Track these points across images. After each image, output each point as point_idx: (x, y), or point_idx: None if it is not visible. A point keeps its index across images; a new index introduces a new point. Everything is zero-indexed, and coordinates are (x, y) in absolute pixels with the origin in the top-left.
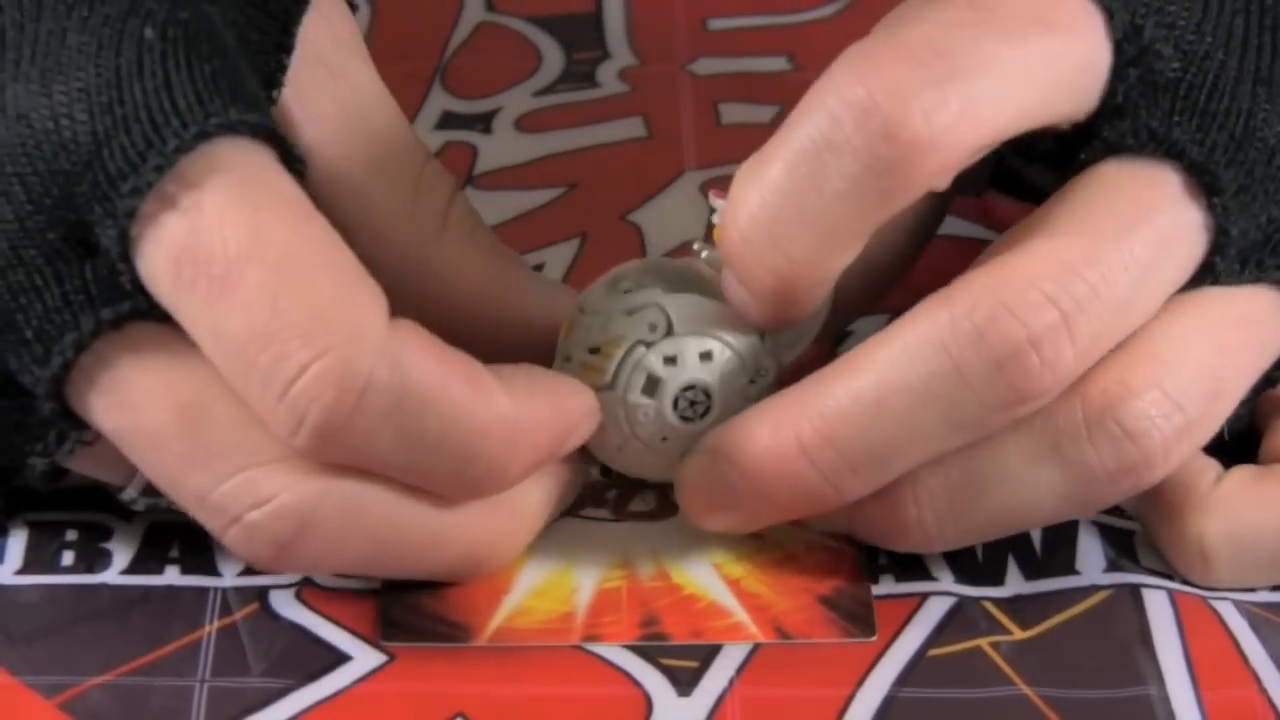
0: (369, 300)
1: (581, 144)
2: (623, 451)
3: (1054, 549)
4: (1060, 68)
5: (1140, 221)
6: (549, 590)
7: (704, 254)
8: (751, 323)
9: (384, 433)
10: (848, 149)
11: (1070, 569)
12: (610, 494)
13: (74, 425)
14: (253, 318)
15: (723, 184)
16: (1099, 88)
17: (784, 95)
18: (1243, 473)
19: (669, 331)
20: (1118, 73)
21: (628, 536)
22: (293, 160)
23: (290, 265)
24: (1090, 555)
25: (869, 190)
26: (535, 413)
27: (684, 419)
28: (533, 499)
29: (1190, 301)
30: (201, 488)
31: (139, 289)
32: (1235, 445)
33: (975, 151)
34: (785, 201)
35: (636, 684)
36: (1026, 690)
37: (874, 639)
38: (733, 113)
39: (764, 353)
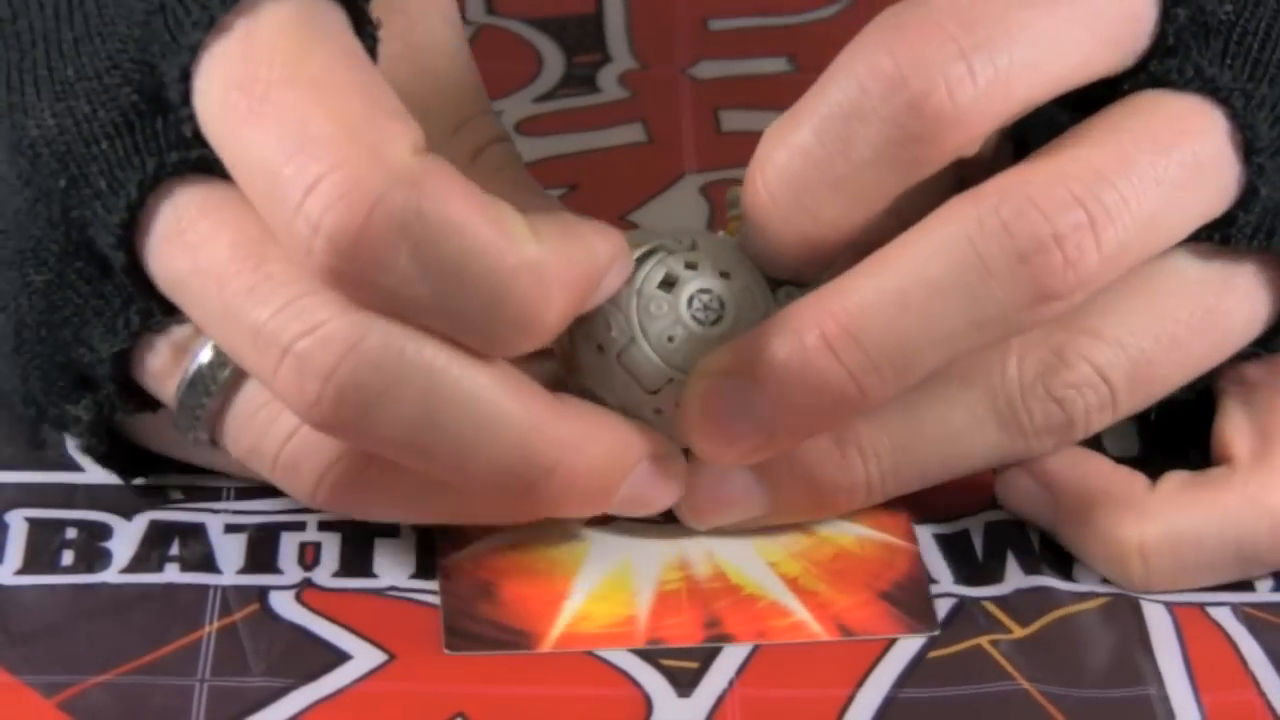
0: (400, 128)
1: (581, 148)
2: (623, 357)
3: (1053, 552)
4: (1098, 25)
5: (1179, 143)
6: (609, 594)
7: (721, 235)
8: (770, 273)
9: (399, 255)
10: (874, 119)
11: (1068, 577)
12: None
13: (143, 291)
14: (283, 133)
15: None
16: (1146, 34)
17: (784, 98)
18: (1176, 478)
19: (693, 248)
20: (1166, 14)
21: (680, 537)
22: (364, 25)
23: (326, 88)
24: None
25: (895, 159)
26: (565, 256)
27: (696, 320)
28: (611, 424)
29: (1153, 280)
30: (258, 319)
31: (202, 140)
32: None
33: (1006, 119)
34: (813, 165)
35: (636, 684)
36: (1027, 686)
37: (937, 633)
38: (733, 120)
39: (775, 305)
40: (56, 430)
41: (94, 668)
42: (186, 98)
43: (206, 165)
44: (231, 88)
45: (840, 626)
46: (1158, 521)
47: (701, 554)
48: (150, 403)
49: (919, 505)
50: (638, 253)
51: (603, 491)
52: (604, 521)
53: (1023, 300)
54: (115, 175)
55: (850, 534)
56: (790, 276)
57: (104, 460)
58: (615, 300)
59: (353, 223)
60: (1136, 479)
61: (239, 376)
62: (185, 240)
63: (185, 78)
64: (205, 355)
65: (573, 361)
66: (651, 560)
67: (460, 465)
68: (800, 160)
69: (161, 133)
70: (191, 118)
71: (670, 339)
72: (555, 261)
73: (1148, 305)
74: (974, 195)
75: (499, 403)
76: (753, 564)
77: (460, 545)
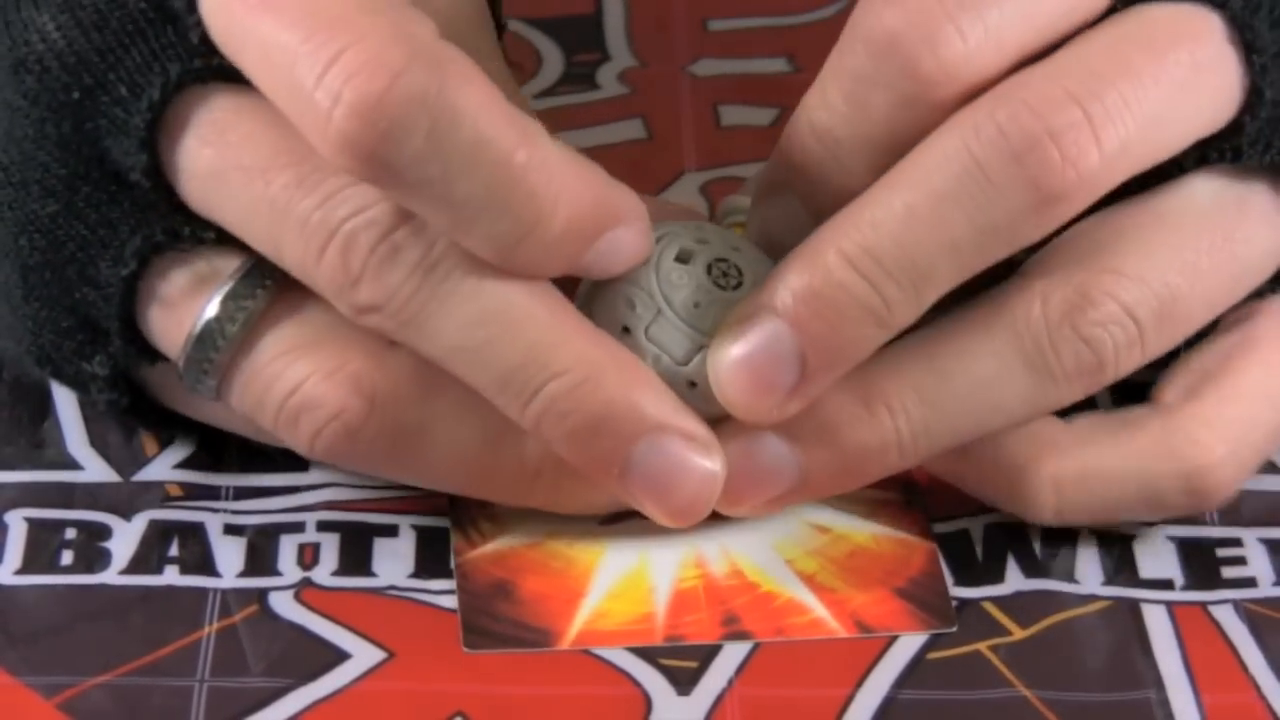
0: (415, 14)
1: (581, 146)
2: (651, 331)
3: (1053, 554)
4: None
5: (1178, 45)
6: (626, 591)
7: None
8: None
9: (417, 130)
10: (881, 81)
11: (1070, 577)
12: None
13: (160, 199)
14: (298, 16)
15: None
16: None
17: (784, 97)
18: (1095, 415)
19: (700, 230)
20: None
21: (696, 534)
22: None
23: None
24: (1089, 566)
25: (904, 118)
26: (581, 175)
27: (718, 285)
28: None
29: (1169, 214)
30: (307, 207)
31: (211, 47)
32: None
33: (1001, 70)
34: (843, 123)
35: (636, 684)
36: (1026, 692)
37: (954, 629)
38: (733, 114)
39: None
40: (75, 389)
41: (94, 668)
42: (193, 4)
43: (229, 75)
44: None
45: (857, 623)
46: (1073, 457)
47: (718, 552)
48: (155, 354)
49: (922, 503)
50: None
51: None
52: (621, 519)
53: (1024, 203)
54: (135, 80)
55: (866, 531)
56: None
57: (126, 414)
58: (634, 280)
59: (374, 90)
60: (1048, 418)
61: (247, 331)
62: (226, 139)
63: None
64: (212, 309)
65: None
66: (669, 558)
67: (475, 364)
68: (829, 116)
69: (176, 41)
70: (199, 24)
71: (696, 304)
72: (568, 174)
73: (1166, 239)
74: (972, 105)
75: (524, 304)
76: (770, 561)
77: (476, 544)
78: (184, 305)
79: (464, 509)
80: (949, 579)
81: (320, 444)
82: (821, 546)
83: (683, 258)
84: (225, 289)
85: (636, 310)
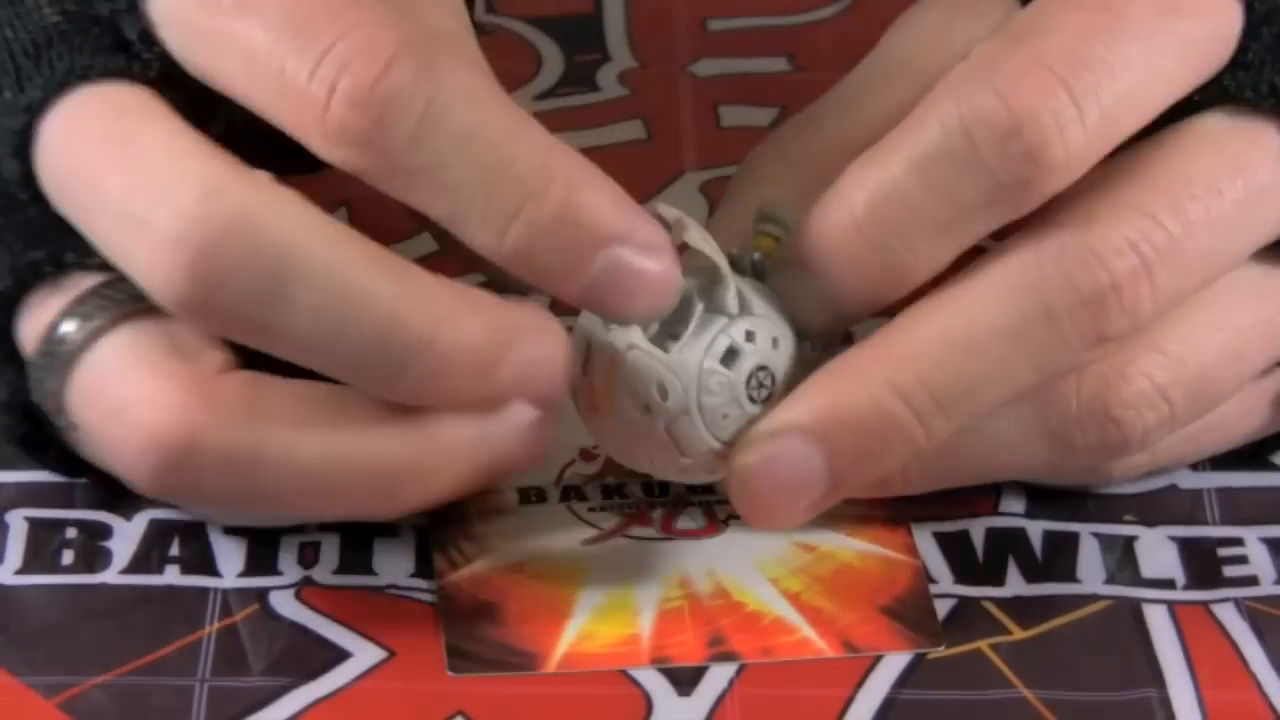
0: (403, 5)
1: (581, 147)
2: (673, 426)
3: (1054, 556)
4: (1189, 51)
5: (1233, 181)
6: (611, 613)
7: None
8: (822, 314)
9: (413, 112)
10: (983, 166)
11: (1071, 576)
12: (656, 512)
13: (33, 205)
14: (281, 14)
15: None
16: (1230, 52)
17: (784, 96)
18: None
19: (744, 309)
20: (1251, 31)
21: (679, 554)
22: None
23: None
24: (1091, 566)
25: (1001, 203)
26: (577, 161)
27: (751, 399)
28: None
29: (1213, 292)
30: (134, 209)
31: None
32: None
33: (1104, 154)
34: (913, 206)
35: (636, 684)
36: (1027, 693)
37: (942, 647)
38: (733, 115)
39: (802, 354)
40: None
41: (95, 668)
42: (132, 4)
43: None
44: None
45: (844, 643)
46: None
47: (702, 571)
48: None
49: (918, 508)
50: (694, 315)
51: (486, 368)
52: (604, 539)
53: (1082, 344)
54: (21, 85)
55: (851, 549)
56: (844, 316)
57: (21, 444)
58: (674, 365)
59: (369, 76)
60: None
61: (84, 351)
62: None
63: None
64: (66, 325)
65: (603, 406)
66: (653, 578)
67: (323, 346)
68: (898, 198)
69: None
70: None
71: (725, 416)
72: (562, 155)
73: (1208, 318)
74: (1034, 240)
75: (362, 277)
76: (754, 580)
77: (459, 566)
78: (37, 319)
79: (443, 529)
80: (950, 577)
81: (145, 475)
82: (806, 564)
83: (728, 360)
84: (69, 307)
85: (667, 400)
